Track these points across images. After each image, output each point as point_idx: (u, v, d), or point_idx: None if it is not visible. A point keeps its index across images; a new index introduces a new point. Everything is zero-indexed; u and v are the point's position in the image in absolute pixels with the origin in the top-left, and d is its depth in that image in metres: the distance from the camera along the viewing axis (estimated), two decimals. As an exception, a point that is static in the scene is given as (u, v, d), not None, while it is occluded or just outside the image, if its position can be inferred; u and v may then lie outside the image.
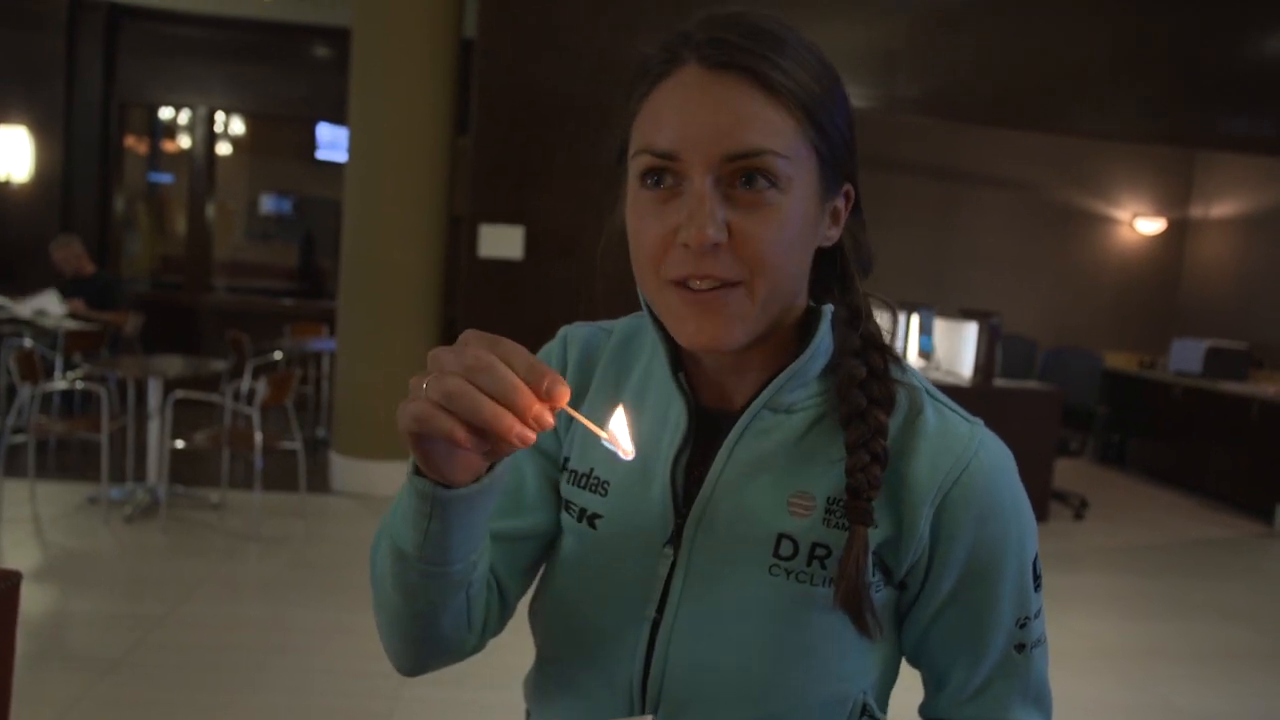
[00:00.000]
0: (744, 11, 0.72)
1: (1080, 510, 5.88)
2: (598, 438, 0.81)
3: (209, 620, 3.42)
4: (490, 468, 0.66)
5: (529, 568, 0.89)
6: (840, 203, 0.78)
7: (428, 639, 0.78)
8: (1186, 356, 7.12)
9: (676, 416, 0.81)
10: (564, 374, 0.88)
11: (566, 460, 0.87)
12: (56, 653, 3.10)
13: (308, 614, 3.51)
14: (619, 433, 0.65)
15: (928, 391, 0.80)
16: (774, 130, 0.68)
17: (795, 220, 0.71)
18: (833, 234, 0.78)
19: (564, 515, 0.86)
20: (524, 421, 0.57)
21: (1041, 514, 5.67)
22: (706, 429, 0.81)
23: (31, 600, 3.36)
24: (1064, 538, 5.45)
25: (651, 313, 0.79)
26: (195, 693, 2.86)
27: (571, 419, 0.86)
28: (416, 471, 0.65)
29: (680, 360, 0.82)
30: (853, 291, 0.81)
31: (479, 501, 0.67)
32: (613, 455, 0.65)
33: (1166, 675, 3.55)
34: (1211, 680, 3.56)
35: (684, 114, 0.69)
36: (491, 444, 0.60)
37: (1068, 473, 6.75)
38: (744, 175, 0.68)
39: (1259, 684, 3.57)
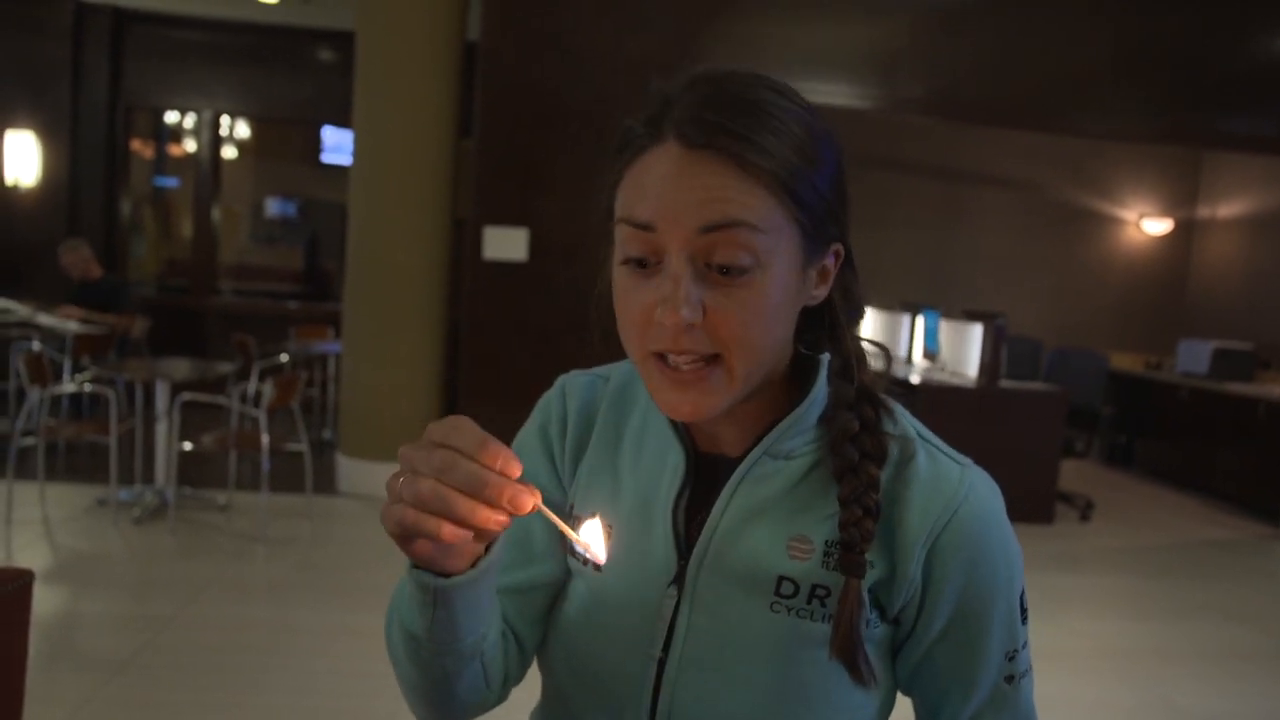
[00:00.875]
0: (728, 78, 0.73)
1: (1086, 511, 5.87)
2: (598, 481, 0.83)
3: (217, 621, 3.44)
4: (488, 547, 0.68)
5: (543, 615, 0.90)
6: (829, 261, 0.78)
7: (447, 702, 0.80)
8: (1193, 357, 7.11)
9: (675, 462, 0.83)
10: (564, 425, 0.91)
11: (571, 507, 0.88)
12: (66, 653, 3.12)
13: (314, 615, 3.52)
14: (592, 541, 0.68)
15: (920, 435, 0.82)
16: (750, 205, 0.69)
17: (774, 296, 0.72)
18: (820, 293, 0.79)
19: (570, 561, 0.88)
20: (498, 509, 0.60)
21: (1047, 515, 5.67)
22: (705, 473, 0.83)
23: (41, 601, 3.37)
24: (1069, 539, 5.45)
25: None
26: (203, 693, 2.87)
27: (574, 459, 0.89)
28: (415, 564, 0.67)
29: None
30: (843, 340, 0.82)
31: (479, 585, 0.69)
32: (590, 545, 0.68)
33: (1170, 676, 3.55)
34: (1215, 681, 3.56)
35: (662, 188, 0.70)
36: (476, 532, 0.62)
37: (1073, 474, 6.75)
38: (720, 264, 0.69)
39: (1263, 685, 3.56)
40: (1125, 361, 7.94)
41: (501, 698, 0.87)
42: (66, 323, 5.76)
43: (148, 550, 4.17)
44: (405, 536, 0.62)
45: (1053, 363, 6.90)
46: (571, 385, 0.92)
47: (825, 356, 0.79)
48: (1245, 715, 3.29)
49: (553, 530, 0.88)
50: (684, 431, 0.83)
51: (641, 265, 0.72)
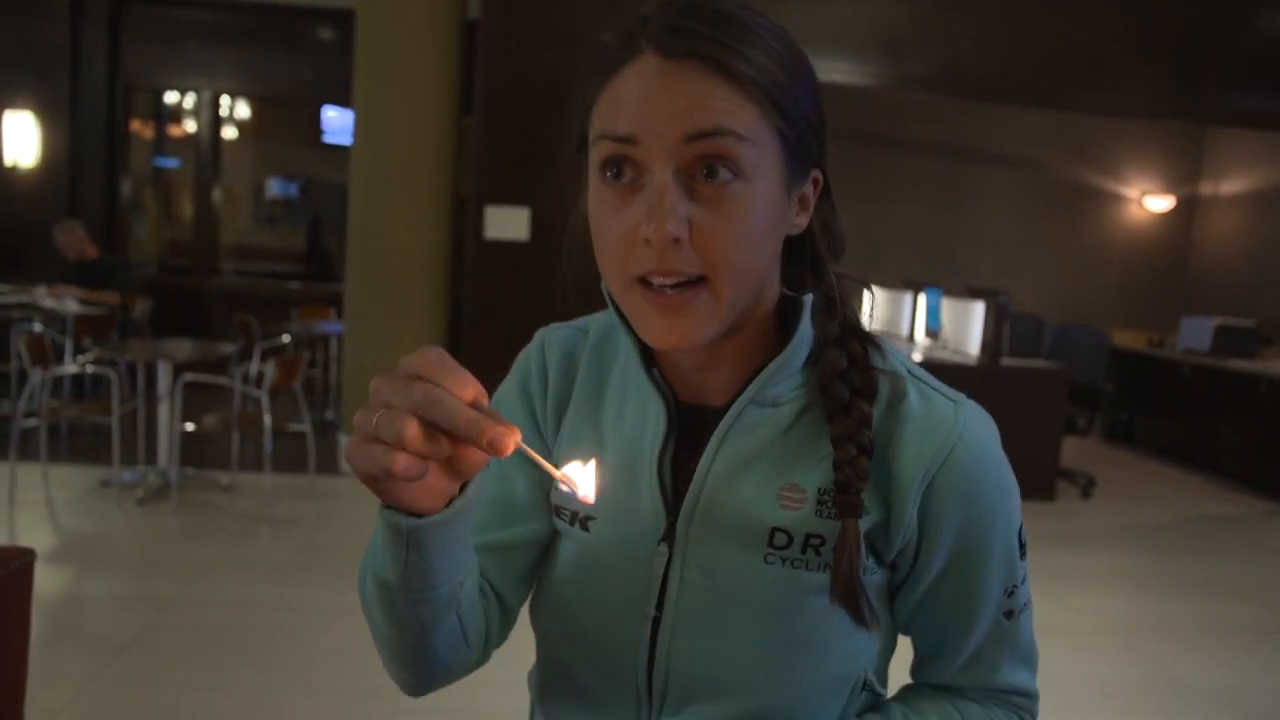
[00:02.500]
0: None
1: (1088, 489, 5.88)
2: (581, 438, 0.81)
3: (220, 601, 3.46)
4: (463, 488, 0.65)
5: (526, 575, 0.89)
6: (808, 189, 0.76)
7: (425, 661, 0.77)
8: (1195, 334, 7.10)
9: (656, 414, 0.80)
10: (545, 380, 0.88)
11: (556, 467, 0.87)
12: (70, 633, 3.14)
13: (317, 595, 3.54)
14: (580, 479, 0.64)
15: (910, 372, 0.79)
16: (735, 113, 0.67)
17: (760, 211, 0.69)
18: (800, 221, 0.76)
19: (557, 520, 0.86)
20: (481, 448, 0.57)
21: (1049, 492, 5.68)
22: (689, 425, 0.80)
23: (45, 582, 3.39)
24: (1071, 516, 5.46)
25: (618, 310, 0.78)
26: (206, 672, 2.89)
27: (556, 415, 0.87)
28: (386, 504, 0.64)
29: (653, 357, 0.81)
30: (826, 278, 0.80)
31: (454, 527, 0.66)
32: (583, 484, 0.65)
33: (1172, 651, 3.56)
34: (1217, 656, 3.57)
35: (643, 99, 0.68)
36: (457, 469, 0.60)
37: (1075, 451, 6.75)
38: (705, 166, 0.67)
39: (1265, 659, 3.58)
40: (1127, 339, 7.93)
41: (482, 660, 0.85)
42: (66, 303, 5.76)
43: (151, 531, 4.19)
44: (378, 479, 0.58)
45: (1055, 340, 6.89)
46: (550, 339, 0.90)
47: (808, 298, 0.77)
48: (1247, 690, 3.31)
49: (536, 489, 0.86)
50: (664, 382, 0.81)
51: (619, 178, 0.69)
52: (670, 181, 0.67)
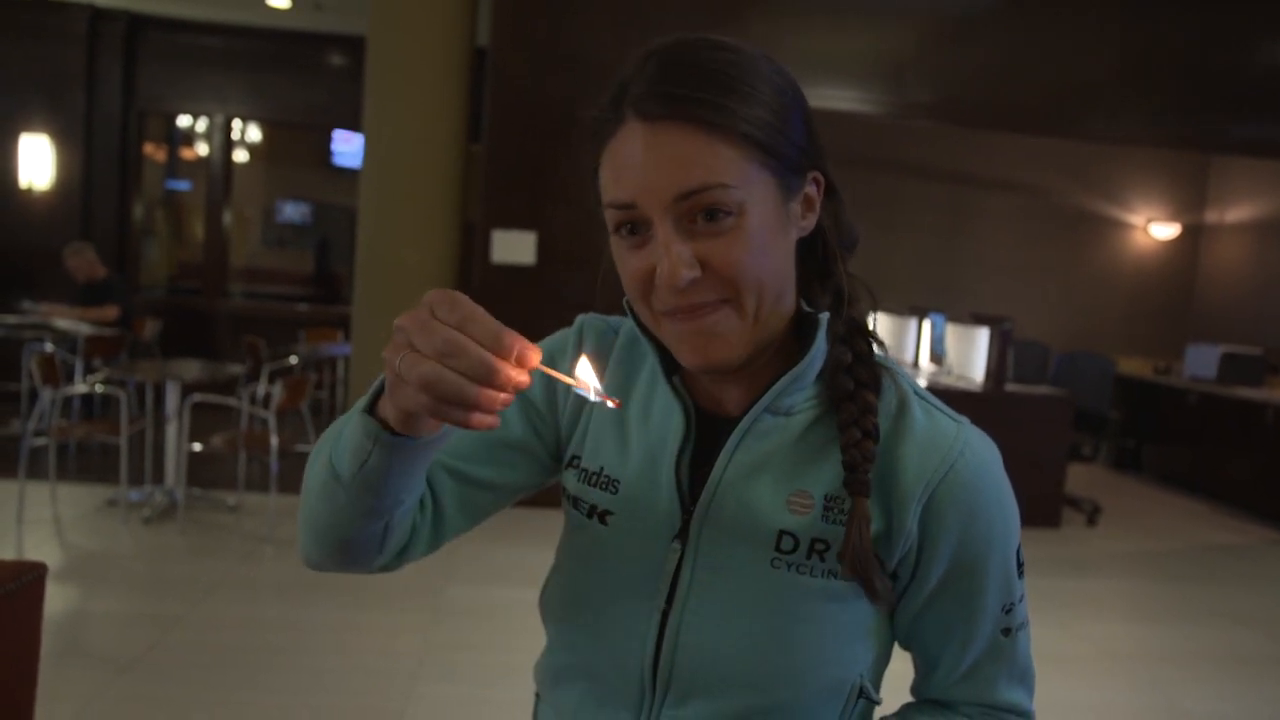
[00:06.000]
0: (676, 47, 0.74)
1: (1093, 516, 5.86)
2: (606, 435, 0.83)
3: (225, 620, 3.47)
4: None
5: (477, 513, 0.91)
6: (811, 190, 0.79)
7: (338, 546, 0.80)
8: (1201, 362, 7.09)
9: (677, 420, 0.85)
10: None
11: (576, 459, 0.90)
12: (76, 651, 3.15)
13: (322, 614, 3.55)
14: (586, 377, 0.67)
15: (915, 392, 0.83)
16: (719, 167, 0.71)
17: (761, 232, 0.73)
18: (808, 222, 0.80)
19: (571, 511, 0.90)
20: (502, 391, 0.59)
21: (1054, 519, 5.66)
22: (708, 430, 0.84)
23: (52, 600, 3.41)
24: (1077, 543, 5.44)
25: (639, 323, 0.83)
26: (211, 691, 2.90)
27: (570, 398, 0.90)
28: (368, 409, 0.68)
29: (674, 365, 0.85)
30: (836, 273, 0.83)
31: (422, 452, 0.69)
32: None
33: (1176, 679, 3.55)
34: (1221, 685, 3.55)
35: (631, 166, 0.73)
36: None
37: (1081, 478, 6.74)
38: (703, 211, 0.72)
39: (1270, 690, 3.56)
40: (1133, 366, 7.92)
41: (388, 566, 0.86)
42: (58, 321, 5.81)
43: (157, 550, 4.20)
44: (401, 409, 0.62)
45: (1060, 367, 6.89)
46: (589, 326, 0.94)
47: (824, 315, 0.81)
48: None
49: (528, 438, 0.90)
50: (686, 392, 0.85)
51: (633, 232, 0.75)
52: (672, 232, 0.72)
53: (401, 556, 0.87)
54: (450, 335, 0.58)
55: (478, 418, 0.60)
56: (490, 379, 0.58)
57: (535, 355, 0.60)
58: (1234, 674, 3.67)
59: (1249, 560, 5.46)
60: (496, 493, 0.90)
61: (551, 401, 0.91)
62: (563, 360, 0.92)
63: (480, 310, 0.60)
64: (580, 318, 0.95)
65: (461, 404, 0.59)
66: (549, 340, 0.94)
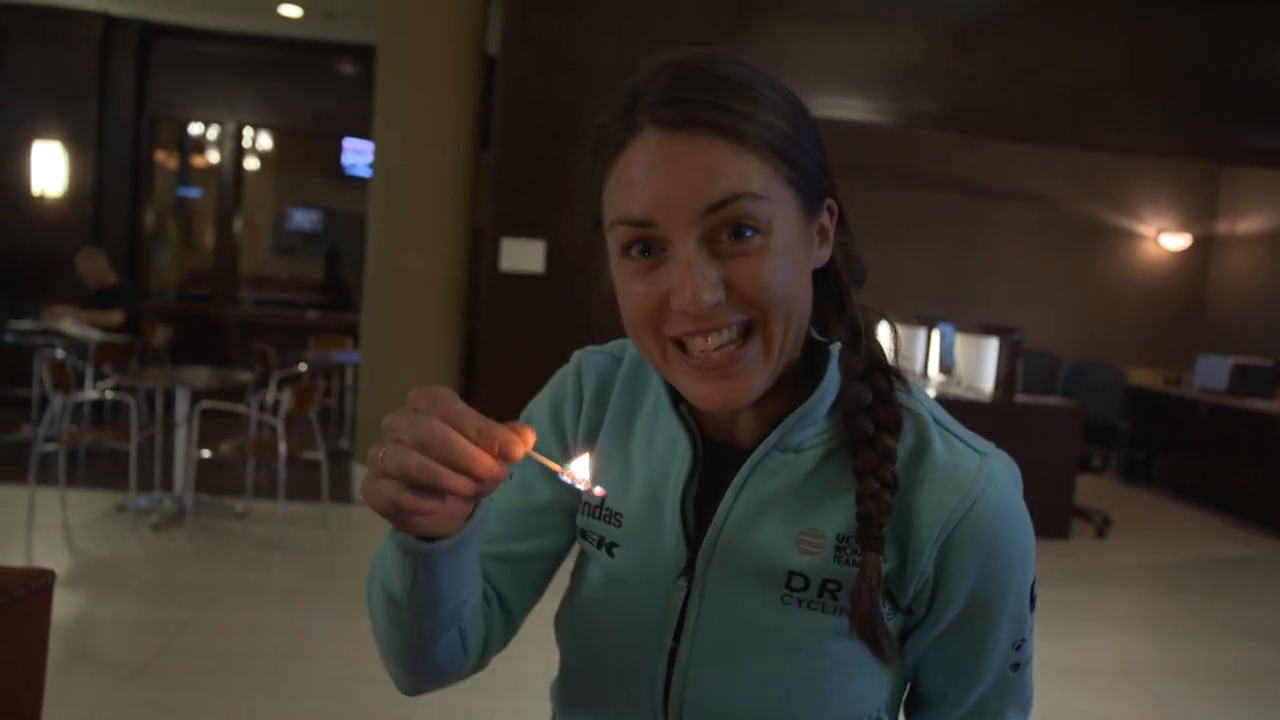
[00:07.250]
0: (695, 58, 0.71)
1: (1103, 528, 5.83)
2: (608, 466, 0.83)
3: (233, 626, 3.47)
4: (472, 512, 0.68)
5: (537, 584, 0.90)
6: (825, 219, 0.77)
7: (422, 666, 0.80)
8: (1212, 373, 7.06)
9: (683, 450, 0.81)
10: (579, 405, 0.89)
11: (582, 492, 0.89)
12: (84, 656, 3.16)
13: (330, 621, 3.55)
14: (581, 472, 0.66)
15: (936, 420, 0.79)
16: (747, 175, 0.67)
17: (786, 253, 0.70)
18: (824, 253, 0.77)
19: (584, 543, 0.88)
20: (482, 481, 0.60)
21: (1064, 531, 5.64)
22: (714, 462, 0.81)
23: (61, 605, 3.41)
24: (1087, 555, 5.42)
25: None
26: (219, 697, 2.90)
27: (586, 442, 0.88)
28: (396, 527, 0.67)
29: (681, 394, 0.82)
30: (850, 308, 0.80)
31: (462, 551, 0.68)
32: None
33: (1187, 693, 3.52)
34: (1231, 699, 3.52)
35: (652, 179, 0.68)
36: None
37: (1091, 489, 6.71)
38: (730, 228, 0.68)
39: (1279, 703, 3.54)
40: (1143, 377, 7.89)
41: (480, 665, 0.87)
42: (65, 325, 5.83)
43: (166, 556, 4.21)
44: (388, 513, 0.62)
45: (1069, 377, 6.87)
46: (587, 364, 0.90)
47: (836, 347, 0.78)
48: (1261, 734, 3.27)
49: (557, 499, 0.88)
50: (692, 419, 0.82)
51: (645, 253, 0.70)
52: (695, 252, 0.68)
53: (486, 653, 0.87)
54: (431, 425, 0.59)
55: (469, 491, 0.60)
56: (469, 467, 0.59)
57: (528, 439, 0.61)
58: (1245, 689, 3.64)
59: (1260, 573, 5.42)
60: (547, 559, 0.90)
61: (565, 451, 0.89)
62: (565, 406, 0.90)
63: (462, 405, 0.61)
64: (577, 354, 0.92)
65: (434, 491, 0.60)
66: (550, 387, 0.92)
